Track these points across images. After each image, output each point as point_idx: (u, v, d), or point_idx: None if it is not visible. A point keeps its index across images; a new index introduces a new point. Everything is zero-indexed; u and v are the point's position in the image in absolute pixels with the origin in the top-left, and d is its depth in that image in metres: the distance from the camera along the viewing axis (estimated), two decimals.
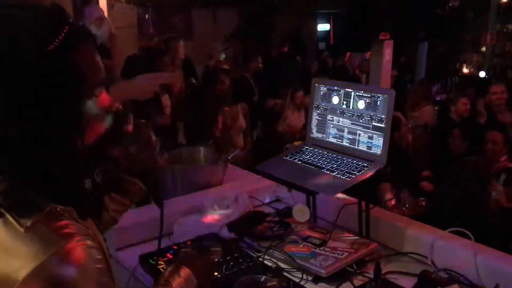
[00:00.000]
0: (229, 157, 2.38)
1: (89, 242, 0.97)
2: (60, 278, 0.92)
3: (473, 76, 9.14)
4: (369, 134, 1.83)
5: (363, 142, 1.85)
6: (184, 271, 1.28)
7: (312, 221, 1.96)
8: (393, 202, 3.79)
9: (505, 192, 3.60)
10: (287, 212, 1.98)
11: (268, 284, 1.50)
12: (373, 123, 1.81)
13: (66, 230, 0.96)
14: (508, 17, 8.90)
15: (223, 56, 6.27)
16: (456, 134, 4.53)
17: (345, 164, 1.83)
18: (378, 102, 1.80)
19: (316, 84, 2.02)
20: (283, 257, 1.70)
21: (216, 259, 1.62)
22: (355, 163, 1.82)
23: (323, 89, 1.99)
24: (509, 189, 3.65)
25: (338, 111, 1.94)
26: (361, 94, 1.86)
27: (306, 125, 2.10)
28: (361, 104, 1.86)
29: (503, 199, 3.50)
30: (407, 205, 3.77)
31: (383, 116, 1.78)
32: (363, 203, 1.82)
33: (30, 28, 0.92)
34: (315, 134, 2.03)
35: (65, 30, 0.95)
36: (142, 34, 8.58)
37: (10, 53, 0.92)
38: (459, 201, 3.24)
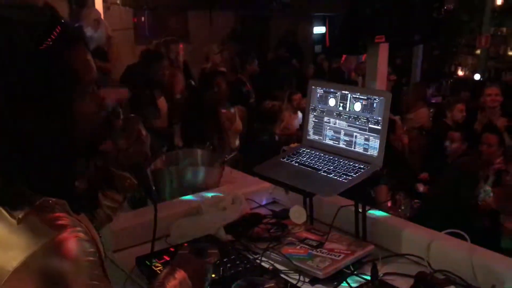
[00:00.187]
0: (226, 159, 2.38)
1: (81, 235, 0.98)
2: (51, 269, 0.92)
3: (468, 79, 9.18)
4: (366, 136, 1.84)
5: (359, 144, 1.86)
6: (180, 274, 1.28)
7: (309, 223, 1.97)
8: (389, 204, 3.81)
9: (493, 193, 3.63)
10: (284, 214, 1.98)
11: (265, 286, 1.50)
12: (370, 125, 1.82)
13: (58, 222, 0.97)
14: (502, 20, 8.95)
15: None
16: (456, 136, 4.55)
17: (341, 166, 1.84)
18: (375, 104, 1.80)
19: (313, 86, 2.03)
20: (280, 259, 1.71)
21: (213, 262, 1.62)
22: (351, 165, 1.83)
23: (319, 91, 2.00)
24: (497, 190, 3.68)
25: (334, 113, 1.95)
26: (357, 96, 1.87)
27: (303, 127, 2.11)
28: (357, 106, 1.86)
29: (491, 200, 3.53)
30: (402, 207, 3.78)
31: (380, 118, 1.79)
32: (359, 204, 1.83)
33: (22, 28, 0.94)
34: (311, 136, 2.04)
35: (57, 30, 0.97)
36: (138, 37, 8.58)
37: (2, 52, 0.93)
38: (450, 202, 3.27)
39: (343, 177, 1.78)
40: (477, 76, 8.85)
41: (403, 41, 3.45)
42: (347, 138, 1.91)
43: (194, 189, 2.22)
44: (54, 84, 0.97)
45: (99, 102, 1.10)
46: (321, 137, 2.00)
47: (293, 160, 1.97)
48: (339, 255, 1.68)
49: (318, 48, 11.29)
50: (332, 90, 1.96)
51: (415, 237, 1.80)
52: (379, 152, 1.80)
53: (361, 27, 3.07)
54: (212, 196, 2.15)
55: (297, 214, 1.85)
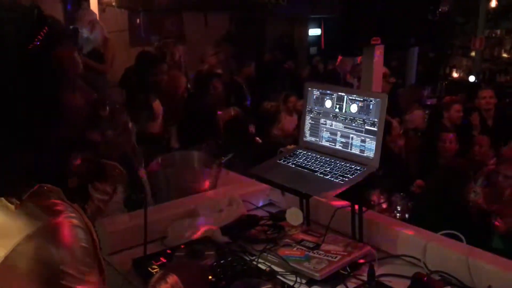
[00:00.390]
0: (223, 161, 2.38)
1: (75, 221, 1.01)
2: (44, 252, 0.95)
3: (463, 81, 9.22)
4: (362, 138, 1.84)
5: (356, 146, 1.87)
6: (172, 279, 1.29)
7: (305, 224, 1.97)
8: (384, 205, 3.82)
9: (483, 193, 3.65)
10: (280, 215, 1.98)
11: None
12: (366, 127, 1.83)
13: (54, 208, 1.00)
14: (496, 22, 8.99)
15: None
16: (451, 137, 4.57)
17: (338, 168, 1.84)
18: (371, 106, 1.81)
19: (309, 88, 2.03)
20: (277, 261, 1.71)
21: (210, 264, 1.62)
22: (348, 166, 1.83)
23: (316, 93, 2.01)
24: (487, 190, 3.70)
25: (331, 115, 1.95)
26: (353, 98, 1.87)
27: (299, 129, 2.11)
28: (353, 108, 1.87)
29: (481, 200, 3.55)
30: (398, 208, 3.79)
31: (376, 120, 1.80)
32: (356, 206, 1.84)
33: (13, 27, 0.99)
34: (308, 137, 2.04)
35: (44, 30, 1.02)
36: (133, 38, 8.56)
37: None
38: (440, 202, 3.29)
39: (339, 178, 1.78)
40: (471, 78, 8.89)
41: (399, 43, 3.47)
42: (343, 140, 1.91)
43: (190, 191, 2.22)
44: (43, 79, 1.02)
45: (86, 95, 1.15)
46: (317, 139, 2.01)
47: (289, 162, 1.97)
48: (336, 257, 1.69)
49: (313, 50, 11.29)
50: (328, 92, 1.96)
51: (411, 238, 1.80)
52: (375, 153, 1.80)
53: (357, 29, 3.08)
54: (209, 197, 2.15)
55: (294, 216, 1.85)
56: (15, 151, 1.01)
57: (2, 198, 0.98)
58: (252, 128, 4.38)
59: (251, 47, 9.20)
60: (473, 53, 9.28)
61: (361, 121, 1.84)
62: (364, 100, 1.83)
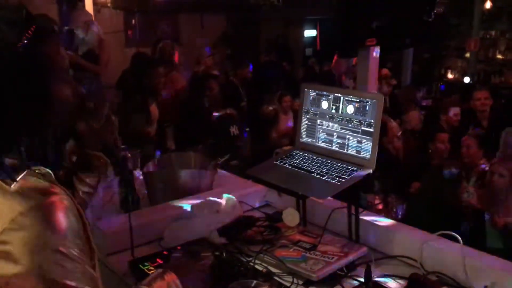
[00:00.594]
0: (219, 162, 2.38)
1: (66, 203, 1.05)
2: (36, 230, 0.98)
3: (458, 82, 9.25)
4: (358, 139, 1.85)
5: (352, 147, 1.87)
6: (169, 276, 1.32)
7: (302, 225, 1.97)
8: (380, 206, 3.83)
9: (476, 193, 3.67)
10: (277, 216, 1.98)
11: None
12: (362, 128, 1.83)
13: (46, 189, 1.05)
14: (491, 24, 9.03)
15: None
16: (444, 138, 4.59)
17: (334, 169, 1.84)
18: (367, 107, 1.81)
19: (306, 89, 2.03)
20: (273, 262, 1.71)
21: (208, 264, 1.62)
22: (344, 167, 1.84)
23: (312, 94, 2.01)
24: (482, 190, 3.72)
25: (327, 116, 1.96)
26: (350, 99, 1.88)
27: (296, 129, 2.11)
28: (350, 109, 1.87)
29: (474, 200, 3.56)
30: (394, 209, 3.80)
31: (372, 121, 1.80)
32: (352, 207, 1.84)
33: (4, 25, 1.06)
34: (304, 138, 2.05)
35: (32, 28, 1.10)
36: (129, 40, 8.55)
37: None
38: (434, 203, 3.30)
39: (336, 179, 1.79)
40: (466, 79, 8.92)
41: (394, 44, 3.48)
42: (339, 141, 1.91)
43: (187, 192, 2.22)
44: (33, 73, 1.10)
45: (73, 87, 1.23)
46: (314, 140, 2.01)
47: (286, 163, 1.97)
48: (333, 257, 1.69)
49: (309, 51, 11.32)
50: (324, 92, 1.97)
51: (408, 239, 1.81)
52: (371, 154, 1.80)
53: (352, 30, 3.09)
54: (205, 199, 2.15)
55: (290, 217, 1.85)
56: (9, 138, 1.07)
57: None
58: (234, 130, 4.37)
59: (247, 49, 9.20)
60: (468, 54, 9.32)
61: (357, 122, 1.85)
62: (360, 101, 1.84)
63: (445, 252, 1.68)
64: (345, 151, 1.89)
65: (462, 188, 3.60)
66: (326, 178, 1.81)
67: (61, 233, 1.02)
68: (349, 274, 1.66)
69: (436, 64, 9.87)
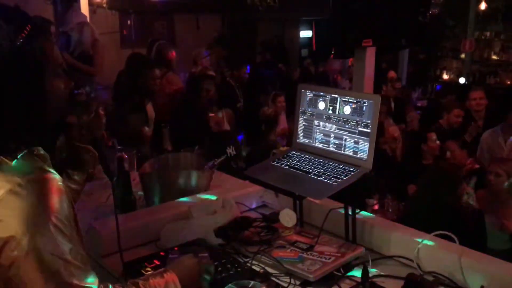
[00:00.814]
0: (216, 163, 2.38)
1: (61, 184, 1.15)
2: (30, 200, 1.07)
3: (453, 83, 9.28)
4: (355, 139, 1.85)
5: (349, 147, 1.87)
6: (169, 275, 1.35)
7: (299, 226, 1.97)
8: (376, 207, 3.84)
9: (476, 194, 3.68)
10: (274, 217, 1.98)
11: None
12: (359, 128, 1.83)
13: (42, 167, 1.15)
14: (486, 24, 9.07)
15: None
16: (434, 137, 4.62)
17: (331, 169, 1.85)
18: (364, 108, 1.82)
19: (303, 90, 2.03)
20: (270, 262, 1.71)
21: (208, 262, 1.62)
22: (341, 168, 1.84)
23: (309, 94, 2.01)
24: (482, 191, 3.73)
25: (324, 117, 1.96)
26: (347, 99, 1.88)
27: (293, 131, 2.11)
28: (347, 110, 1.87)
29: (474, 201, 3.57)
30: (390, 210, 3.81)
31: (369, 122, 1.80)
32: (349, 207, 1.84)
33: (2, 24, 1.15)
34: (301, 139, 2.05)
35: (28, 28, 1.20)
36: (124, 40, 8.53)
37: None
38: (433, 205, 3.30)
39: (333, 180, 1.79)
40: (462, 80, 8.95)
41: (390, 45, 3.49)
42: (336, 141, 1.92)
43: (183, 193, 2.21)
44: (28, 68, 1.19)
45: (66, 82, 1.32)
46: (311, 140, 2.01)
47: (283, 163, 1.97)
48: (330, 258, 1.69)
49: (304, 52, 11.33)
50: (321, 93, 1.97)
51: (404, 239, 1.81)
52: (368, 155, 1.81)
53: (348, 31, 3.09)
54: (202, 199, 2.14)
55: (287, 217, 1.85)
56: (8, 135, 1.16)
57: (2, 157, 1.11)
58: (231, 150, 4.35)
59: (243, 49, 9.20)
60: (463, 55, 9.35)
61: (354, 122, 1.85)
62: (357, 102, 1.84)
63: (441, 252, 1.69)
64: (342, 151, 1.89)
65: (461, 190, 3.60)
66: (323, 178, 1.81)
67: (55, 205, 1.10)
68: (346, 275, 1.66)
69: (432, 65, 9.89)
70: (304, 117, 2.03)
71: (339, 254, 1.72)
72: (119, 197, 2.23)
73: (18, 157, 1.12)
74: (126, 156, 2.44)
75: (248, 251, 1.79)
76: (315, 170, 1.87)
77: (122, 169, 2.29)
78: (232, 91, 6.24)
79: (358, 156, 1.84)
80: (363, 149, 1.82)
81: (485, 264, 1.63)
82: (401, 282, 1.58)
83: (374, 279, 1.64)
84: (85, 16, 5.27)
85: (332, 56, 7.15)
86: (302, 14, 10.21)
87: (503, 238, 3.33)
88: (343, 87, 7.38)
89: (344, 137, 1.88)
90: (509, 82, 8.64)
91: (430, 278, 1.62)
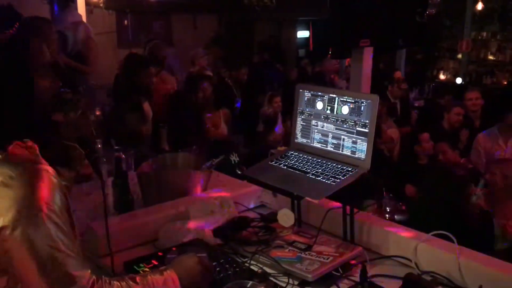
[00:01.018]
0: (214, 163, 2.37)
1: (53, 174, 1.17)
2: (21, 191, 1.09)
3: (450, 83, 9.30)
4: (353, 139, 1.85)
5: (347, 147, 1.87)
6: (169, 273, 1.36)
7: (297, 226, 1.97)
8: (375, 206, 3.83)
9: (485, 195, 3.67)
10: (272, 217, 1.98)
11: None
12: (357, 128, 1.83)
13: (33, 158, 1.16)
14: (482, 25, 9.09)
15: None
16: (426, 137, 4.63)
17: (329, 169, 1.85)
18: (362, 108, 1.82)
19: (301, 90, 2.03)
20: (269, 262, 1.70)
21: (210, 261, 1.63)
22: (339, 167, 1.84)
23: (307, 94, 2.01)
24: (489, 192, 3.72)
25: (322, 116, 1.96)
26: (345, 99, 1.88)
27: (291, 131, 2.11)
28: (345, 110, 1.87)
29: (482, 202, 3.56)
30: (387, 210, 3.80)
31: (367, 121, 1.80)
32: (347, 207, 1.84)
33: None
34: (299, 139, 2.05)
35: (16, 25, 1.29)
36: (121, 40, 8.53)
37: None
38: (440, 206, 3.29)
39: (331, 180, 1.79)
40: (458, 80, 8.97)
41: (387, 45, 3.49)
42: (334, 141, 1.92)
43: (181, 193, 2.21)
44: (15, 65, 1.22)
45: (52, 81, 1.33)
46: (309, 140, 2.01)
47: (281, 163, 1.97)
48: (328, 258, 1.69)
49: (302, 52, 11.33)
50: (319, 93, 1.97)
51: (403, 239, 1.81)
52: (366, 154, 1.81)
53: (346, 31, 3.10)
54: (199, 200, 2.14)
55: (285, 217, 1.85)
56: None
57: None
58: (235, 157, 4.36)
59: (240, 49, 9.20)
60: (459, 55, 9.37)
61: (352, 122, 1.85)
62: (355, 102, 1.84)
63: (439, 252, 1.69)
64: (340, 151, 1.89)
65: (470, 191, 3.59)
66: (321, 178, 1.81)
67: (46, 197, 1.11)
68: (344, 274, 1.66)
69: (429, 65, 9.91)
70: (302, 117, 2.03)
71: (337, 254, 1.72)
72: (117, 197, 2.22)
73: (9, 149, 1.14)
74: (123, 156, 2.44)
75: (246, 251, 1.79)
76: (313, 170, 1.87)
77: (120, 169, 2.29)
78: (230, 91, 6.24)
79: (356, 156, 1.84)
80: (361, 149, 1.82)
81: (483, 263, 1.63)
82: (400, 282, 1.58)
83: (373, 279, 1.64)
84: (80, 16, 5.27)
85: (329, 56, 7.15)
86: (299, 14, 10.24)
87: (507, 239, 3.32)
88: (340, 87, 7.38)
89: (342, 137, 1.88)
90: (505, 82, 8.65)
91: (428, 278, 1.63)
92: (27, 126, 1.25)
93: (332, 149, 1.92)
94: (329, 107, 1.93)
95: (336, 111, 1.91)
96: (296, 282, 1.62)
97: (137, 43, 7.27)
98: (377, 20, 3.17)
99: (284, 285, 1.60)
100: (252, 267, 1.69)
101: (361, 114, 1.82)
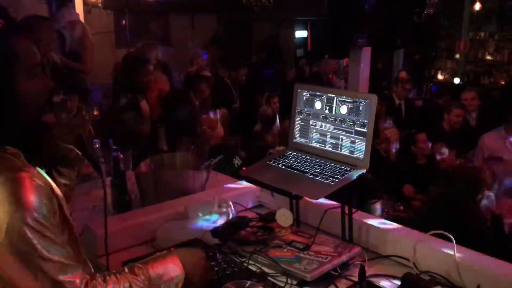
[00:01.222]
0: (212, 163, 2.37)
1: (37, 180, 1.13)
2: (2, 204, 1.07)
3: (447, 83, 9.31)
4: (352, 139, 1.85)
5: (345, 147, 1.87)
6: (171, 258, 1.37)
7: (295, 225, 1.97)
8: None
9: (497, 199, 3.65)
10: (270, 217, 1.98)
11: None
12: (356, 128, 1.83)
13: (16, 166, 1.14)
14: (480, 25, 9.10)
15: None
16: (422, 138, 4.64)
17: (328, 169, 1.85)
18: (361, 107, 1.82)
19: (299, 90, 2.03)
20: (267, 262, 1.70)
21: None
22: (338, 167, 1.84)
23: (305, 94, 2.01)
24: (502, 195, 3.70)
25: (320, 116, 1.96)
26: (343, 99, 1.88)
27: (289, 131, 2.11)
28: (343, 109, 1.87)
29: (494, 206, 3.55)
30: (385, 210, 3.81)
31: (366, 121, 1.80)
32: (345, 207, 1.84)
33: None
34: (298, 139, 2.05)
35: (1, 22, 1.18)
36: (119, 40, 8.52)
37: None
38: (450, 209, 3.29)
39: (329, 179, 1.79)
40: (456, 80, 8.98)
41: (385, 45, 3.49)
42: (333, 141, 1.92)
43: (179, 193, 2.21)
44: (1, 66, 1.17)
45: (43, 82, 1.29)
46: (307, 140, 2.01)
47: (279, 163, 1.97)
48: (326, 257, 1.69)
49: (300, 52, 11.34)
50: (318, 93, 1.97)
51: (401, 239, 1.81)
52: (365, 154, 1.81)
53: (343, 31, 3.10)
54: (198, 199, 2.14)
55: (284, 217, 1.85)
56: None
57: None
58: (237, 161, 4.36)
59: (238, 49, 9.20)
60: (457, 56, 9.38)
61: (351, 122, 1.85)
62: (354, 101, 1.84)
63: (438, 252, 1.69)
64: (339, 151, 1.89)
65: (484, 194, 3.58)
66: (320, 178, 1.81)
67: (29, 206, 1.09)
68: (342, 274, 1.66)
69: (426, 65, 9.91)
70: (301, 116, 2.03)
71: (335, 254, 1.72)
72: (115, 197, 2.22)
73: None
74: (121, 156, 2.43)
75: (244, 251, 1.79)
76: (312, 170, 1.87)
77: (118, 169, 2.29)
78: (229, 91, 6.23)
79: (355, 155, 1.84)
80: (360, 148, 1.82)
81: (481, 263, 1.63)
82: (398, 282, 1.59)
83: (371, 279, 1.64)
84: (77, 15, 5.26)
85: (327, 56, 7.16)
86: (297, 14, 10.25)
87: None
88: (338, 87, 7.38)
89: (341, 136, 1.88)
90: (503, 82, 8.66)
91: (427, 278, 1.63)
92: (13, 128, 1.22)
93: (330, 149, 1.92)
94: (327, 107, 1.93)
95: (335, 110, 1.91)
96: (294, 282, 1.62)
97: (135, 43, 7.27)
98: (375, 20, 3.17)
99: (282, 285, 1.60)
100: (250, 267, 1.69)
101: (360, 113, 1.82)
